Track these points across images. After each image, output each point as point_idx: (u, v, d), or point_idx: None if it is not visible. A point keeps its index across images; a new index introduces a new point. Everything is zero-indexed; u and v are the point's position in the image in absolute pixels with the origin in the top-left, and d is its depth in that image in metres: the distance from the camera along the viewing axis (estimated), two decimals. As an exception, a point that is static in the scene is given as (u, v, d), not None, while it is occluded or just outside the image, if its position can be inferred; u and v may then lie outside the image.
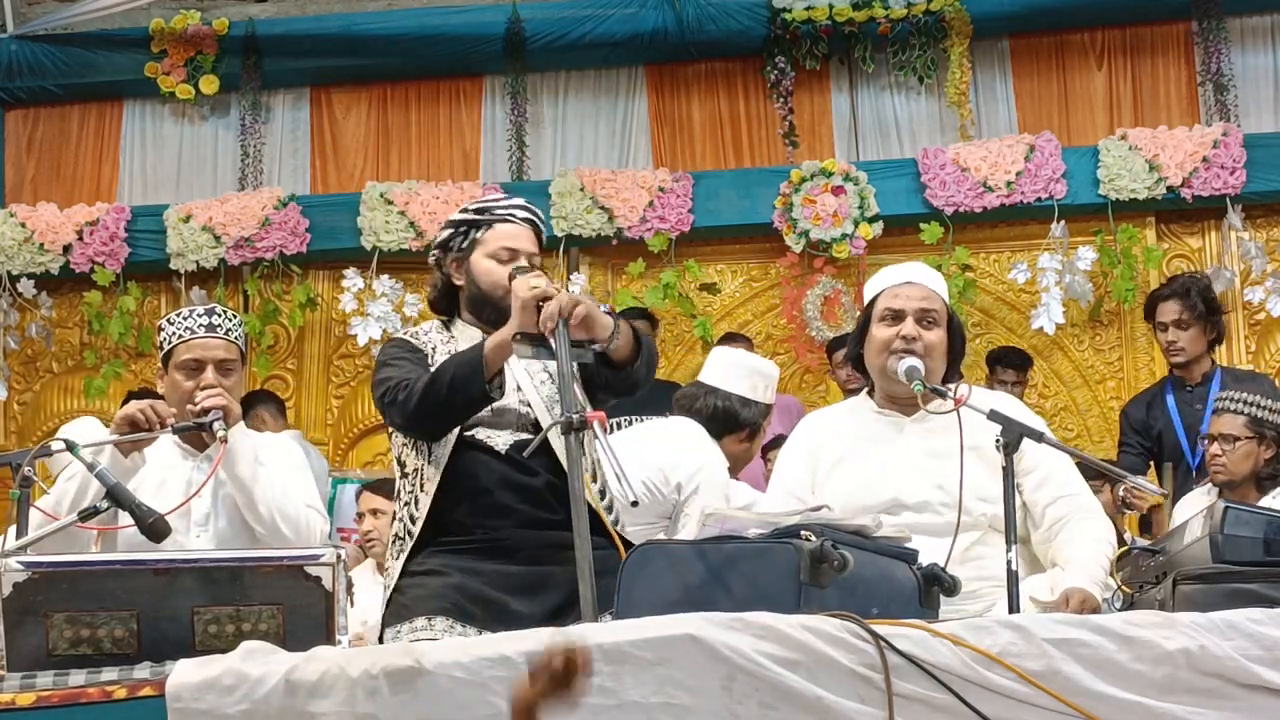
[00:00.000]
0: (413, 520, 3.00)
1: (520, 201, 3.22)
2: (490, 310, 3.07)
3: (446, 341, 3.14)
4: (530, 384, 3.08)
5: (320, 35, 7.81)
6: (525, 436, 2.97)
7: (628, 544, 2.80)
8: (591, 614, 2.47)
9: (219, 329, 3.35)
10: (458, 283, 3.16)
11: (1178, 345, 5.17)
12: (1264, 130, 7.25)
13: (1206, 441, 4.44)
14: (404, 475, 3.08)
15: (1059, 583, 3.03)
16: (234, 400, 3.29)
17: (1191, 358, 5.20)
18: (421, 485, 3.02)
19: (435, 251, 3.22)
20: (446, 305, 3.21)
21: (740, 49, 7.72)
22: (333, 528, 6.28)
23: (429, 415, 2.96)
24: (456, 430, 3.00)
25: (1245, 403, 4.34)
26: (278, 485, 3.30)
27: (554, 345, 2.76)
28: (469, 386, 2.90)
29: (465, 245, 3.14)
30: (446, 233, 3.18)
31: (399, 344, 3.19)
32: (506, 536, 2.95)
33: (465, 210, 3.19)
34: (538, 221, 3.20)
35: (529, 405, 3.05)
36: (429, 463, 3.02)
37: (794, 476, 3.32)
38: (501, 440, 3.01)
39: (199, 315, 3.37)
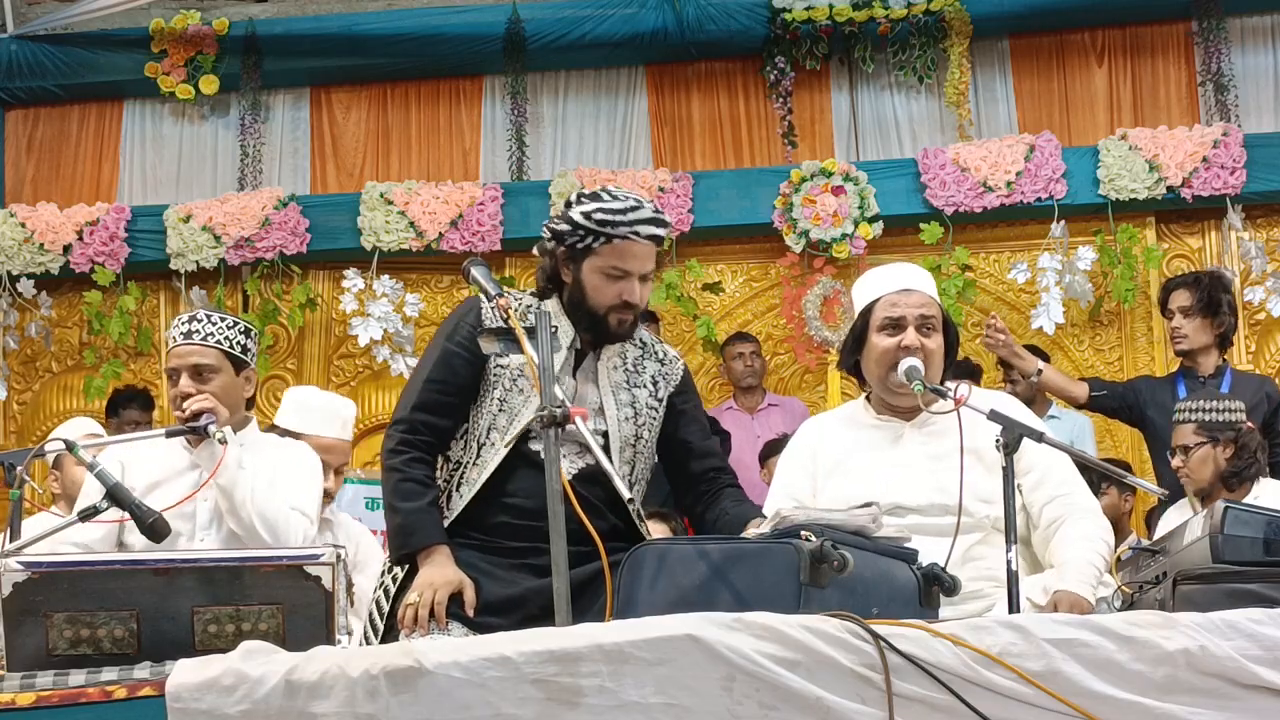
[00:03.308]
0: (442, 512, 2.98)
1: (648, 215, 2.97)
2: (587, 319, 2.98)
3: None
4: (614, 413, 3.02)
5: (320, 35, 7.81)
6: (588, 464, 2.90)
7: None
8: (566, 614, 2.46)
9: (195, 335, 3.40)
10: (564, 278, 3.03)
11: (1181, 332, 5.26)
12: (1264, 130, 7.25)
13: (1171, 458, 4.52)
14: (444, 458, 3.04)
15: (1051, 586, 3.03)
16: (219, 403, 3.33)
17: (1195, 347, 5.24)
18: (458, 485, 2.99)
19: (547, 233, 3.04)
20: (552, 286, 3.07)
21: (740, 49, 7.72)
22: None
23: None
24: (512, 440, 2.92)
25: (1192, 410, 4.48)
26: (260, 489, 3.32)
27: (524, 344, 2.72)
28: (393, 550, 2.97)
29: (579, 248, 2.97)
30: (564, 227, 2.99)
31: (459, 344, 3.01)
32: (538, 552, 2.85)
33: (589, 215, 2.95)
34: (661, 235, 3.02)
35: (604, 436, 2.99)
36: (474, 463, 2.98)
37: (795, 481, 3.32)
38: (565, 465, 2.88)
39: (182, 323, 3.44)
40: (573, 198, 3.03)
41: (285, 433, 3.90)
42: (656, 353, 3.17)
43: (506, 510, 2.94)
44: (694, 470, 3.15)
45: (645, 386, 3.10)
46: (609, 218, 2.94)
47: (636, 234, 2.95)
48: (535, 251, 3.12)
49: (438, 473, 3.04)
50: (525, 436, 2.91)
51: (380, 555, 4.38)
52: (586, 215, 2.94)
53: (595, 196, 2.99)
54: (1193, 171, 6.82)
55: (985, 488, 3.08)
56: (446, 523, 2.96)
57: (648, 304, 6.74)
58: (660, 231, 2.99)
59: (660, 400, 3.11)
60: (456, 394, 3.00)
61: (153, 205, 7.49)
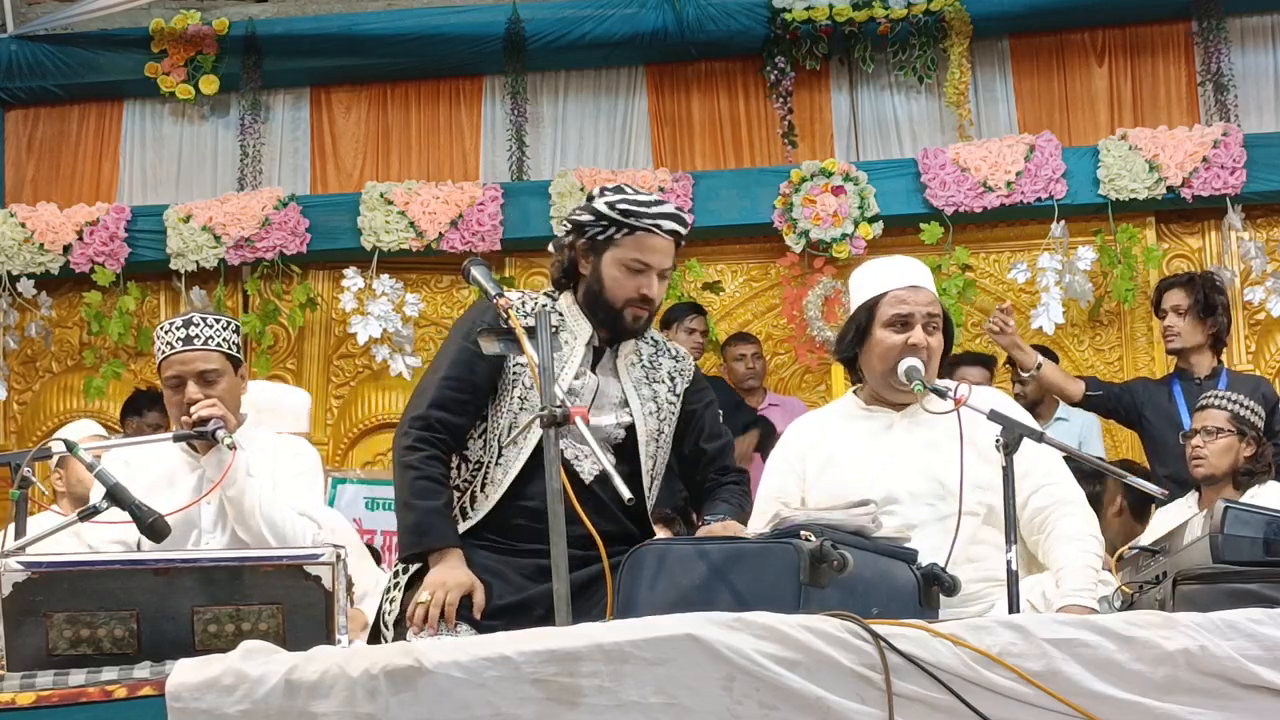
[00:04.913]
0: (463, 514, 2.97)
1: (670, 210, 3.01)
2: (603, 313, 2.99)
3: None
4: (639, 408, 3.03)
5: (320, 35, 7.80)
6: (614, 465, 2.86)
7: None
8: (566, 615, 2.46)
9: (196, 340, 3.33)
10: (582, 271, 3.04)
11: (1174, 330, 5.27)
12: (1264, 130, 7.24)
13: (1188, 438, 4.51)
14: (462, 458, 3.02)
15: (1050, 596, 3.04)
16: (227, 408, 3.30)
17: (1187, 346, 5.26)
18: (483, 485, 2.97)
19: (567, 226, 3.06)
20: (568, 281, 3.08)
21: (740, 49, 7.72)
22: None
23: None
24: (533, 442, 2.91)
25: (1230, 400, 4.48)
26: (266, 495, 3.30)
27: (524, 345, 2.72)
28: (405, 547, 2.96)
29: (601, 239, 2.98)
30: (586, 217, 3.00)
31: (477, 343, 2.93)
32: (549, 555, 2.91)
33: (613, 206, 2.97)
34: (682, 233, 3.03)
35: (629, 430, 3.00)
36: (496, 463, 2.97)
37: (783, 484, 3.32)
38: (588, 468, 2.94)
39: (177, 328, 3.35)
40: (595, 191, 3.05)
41: None
42: (669, 350, 3.19)
43: (524, 513, 2.93)
44: (698, 477, 3.17)
45: (664, 382, 3.11)
46: (633, 209, 2.97)
47: (658, 226, 2.98)
48: (550, 248, 3.12)
49: (455, 473, 3.03)
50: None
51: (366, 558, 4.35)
52: (610, 205, 2.97)
53: (619, 190, 3.03)
54: (1193, 171, 6.81)
55: (978, 474, 3.09)
56: (471, 524, 2.95)
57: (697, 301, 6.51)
58: (680, 229, 3.02)
59: (678, 396, 3.13)
60: (473, 392, 2.99)
61: (153, 205, 7.49)
